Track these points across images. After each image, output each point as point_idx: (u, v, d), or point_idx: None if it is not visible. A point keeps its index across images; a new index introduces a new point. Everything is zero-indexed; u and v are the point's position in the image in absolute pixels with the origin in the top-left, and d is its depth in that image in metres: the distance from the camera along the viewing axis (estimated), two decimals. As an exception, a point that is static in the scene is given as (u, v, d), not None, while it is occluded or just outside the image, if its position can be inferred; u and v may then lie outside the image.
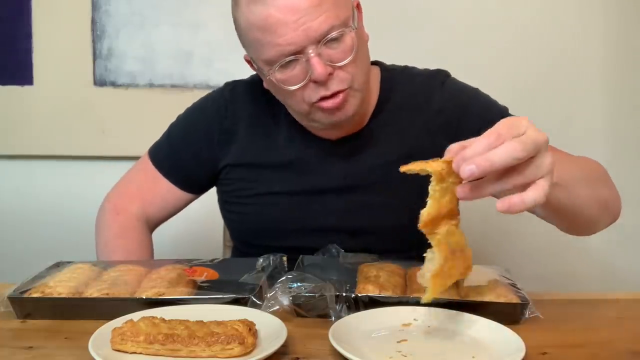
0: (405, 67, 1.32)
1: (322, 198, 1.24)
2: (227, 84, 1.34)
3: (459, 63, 1.91)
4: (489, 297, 0.99)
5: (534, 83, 1.96)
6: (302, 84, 1.10)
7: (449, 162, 0.80)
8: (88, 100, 1.91)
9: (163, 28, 1.90)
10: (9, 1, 1.88)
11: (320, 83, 1.09)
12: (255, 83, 1.29)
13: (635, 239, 2.01)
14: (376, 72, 1.28)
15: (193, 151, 1.31)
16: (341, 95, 1.11)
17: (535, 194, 0.80)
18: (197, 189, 1.35)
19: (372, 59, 1.31)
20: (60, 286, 1.02)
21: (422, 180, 1.19)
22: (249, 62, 1.20)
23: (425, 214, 0.82)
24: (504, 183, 0.80)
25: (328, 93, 1.10)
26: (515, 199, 0.80)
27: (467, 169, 0.77)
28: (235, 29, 1.15)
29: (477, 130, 1.13)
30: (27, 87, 1.91)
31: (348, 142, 1.23)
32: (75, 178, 1.96)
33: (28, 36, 1.89)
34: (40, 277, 1.07)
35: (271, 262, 1.12)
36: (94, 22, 1.89)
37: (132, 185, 1.36)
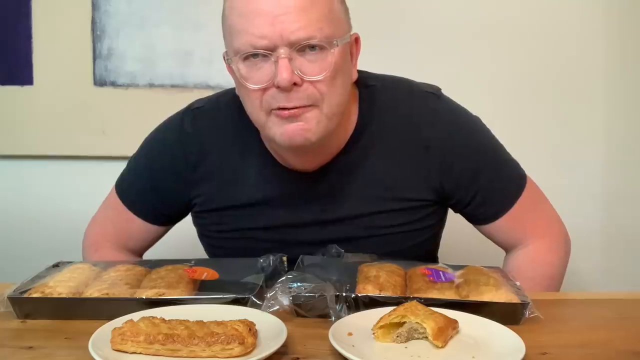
0: (385, 83, 1.19)
1: (302, 231, 1.18)
2: (186, 114, 1.23)
3: (458, 63, 1.92)
4: (488, 297, 0.99)
5: (533, 83, 1.96)
6: (263, 85, 1.02)
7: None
8: (88, 100, 1.91)
9: (163, 28, 1.89)
10: (9, 1, 1.88)
11: (283, 89, 1.00)
12: (219, 111, 1.21)
13: (635, 239, 2.01)
14: (354, 93, 1.16)
15: (160, 188, 1.25)
16: (300, 109, 1.02)
17: None
18: (172, 221, 1.32)
19: (362, 65, 1.20)
20: (60, 286, 1.02)
21: (405, 214, 1.17)
22: (225, 61, 1.11)
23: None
24: None
25: (288, 105, 1.02)
26: None
27: None
28: (221, 21, 1.08)
29: (464, 177, 1.16)
30: (27, 87, 1.90)
31: (326, 173, 1.16)
32: (75, 178, 1.96)
33: (28, 36, 1.88)
34: (40, 277, 1.07)
35: (271, 262, 1.11)
36: (94, 22, 1.89)
37: (107, 224, 1.32)
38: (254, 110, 1.07)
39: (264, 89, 1.03)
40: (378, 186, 1.16)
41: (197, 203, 1.23)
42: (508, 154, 1.23)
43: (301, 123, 1.04)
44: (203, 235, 1.30)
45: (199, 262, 1.13)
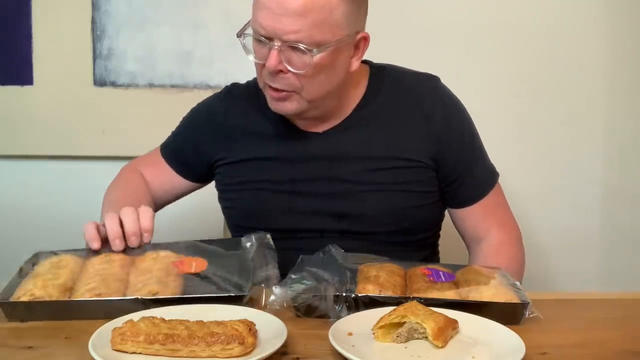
0: (394, 66, 1.36)
1: (309, 184, 1.29)
2: (226, 87, 1.42)
3: (457, 62, 1.92)
4: (488, 297, 0.99)
5: (534, 83, 1.96)
6: (262, 62, 1.17)
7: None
8: (88, 100, 1.91)
9: (163, 28, 1.89)
10: (9, 1, 1.88)
11: (270, 73, 1.16)
12: (250, 86, 1.36)
13: (635, 239, 2.01)
14: (364, 68, 1.32)
15: (191, 142, 1.39)
16: (283, 94, 1.19)
17: None
18: (194, 177, 1.42)
19: (368, 57, 1.31)
20: (49, 286, 0.99)
21: (406, 173, 1.27)
22: None
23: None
24: None
25: (273, 85, 1.19)
26: None
27: None
28: None
29: (454, 153, 1.28)
30: (27, 87, 1.90)
31: (333, 135, 1.29)
32: (75, 178, 1.96)
33: (28, 36, 1.88)
34: (23, 276, 1.04)
35: (254, 240, 1.12)
36: (94, 22, 1.89)
37: (146, 169, 1.44)
38: (258, 78, 1.24)
39: (263, 65, 1.18)
40: (380, 147, 1.28)
41: (218, 159, 1.36)
42: (484, 147, 1.36)
43: (286, 102, 1.21)
44: (221, 191, 1.39)
45: (182, 245, 1.12)
